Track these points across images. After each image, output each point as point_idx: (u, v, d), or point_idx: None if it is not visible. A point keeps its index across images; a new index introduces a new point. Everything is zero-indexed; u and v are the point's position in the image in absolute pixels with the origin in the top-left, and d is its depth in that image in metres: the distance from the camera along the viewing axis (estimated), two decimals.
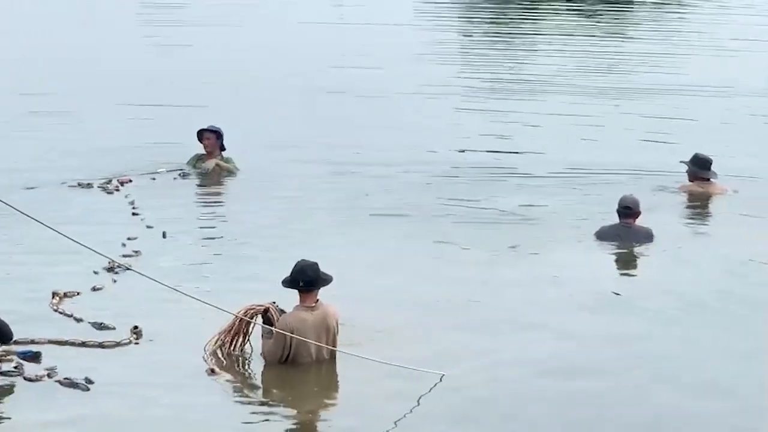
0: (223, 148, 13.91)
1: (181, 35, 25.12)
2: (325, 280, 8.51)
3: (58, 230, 7.95)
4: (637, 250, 11.46)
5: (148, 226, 11.63)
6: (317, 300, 8.49)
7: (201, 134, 13.85)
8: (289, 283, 8.50)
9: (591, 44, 24.72)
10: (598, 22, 28.06)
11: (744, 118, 16.93)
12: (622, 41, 25.78)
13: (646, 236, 11.55)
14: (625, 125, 16.77)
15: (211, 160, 13.81)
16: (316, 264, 8.47)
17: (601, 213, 12.10)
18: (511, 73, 20.97)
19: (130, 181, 13.26)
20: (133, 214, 12.13)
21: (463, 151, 15.17)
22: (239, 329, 8.65)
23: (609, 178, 13.90)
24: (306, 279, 8.41)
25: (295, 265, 8.47)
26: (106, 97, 18.32)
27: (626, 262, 11.37)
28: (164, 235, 11.38)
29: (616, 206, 11.57)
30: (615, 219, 11.62)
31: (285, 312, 8.52)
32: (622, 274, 11.29)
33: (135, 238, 11.15)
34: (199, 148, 13.96)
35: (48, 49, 22.88)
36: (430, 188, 13.52)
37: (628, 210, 11.48)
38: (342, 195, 13.14)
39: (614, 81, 20.25)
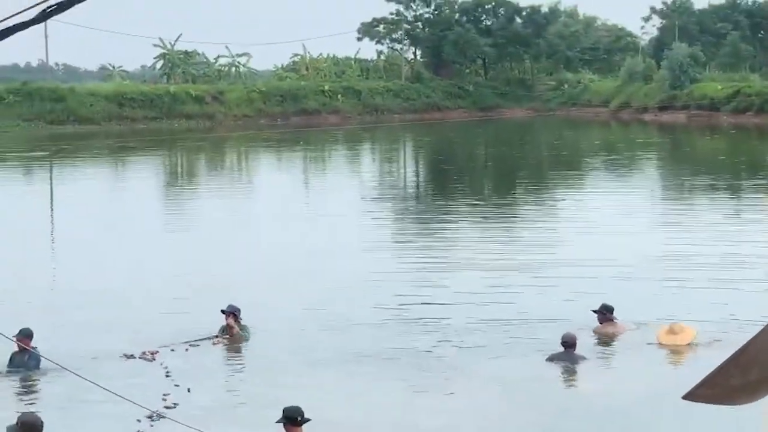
0: (238, 320, 17.94)
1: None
2: (308, 419, 11.95)
3: (119, 394, 11.48)
4: (577, 367, 16.16)
5: (176, 384, 15.23)
6: None
7: (224, 313, 17.96)
8: (285, 419, 11.90)
9: None
10: None
11: None
12: None
13: (582, 359, 16.38)
14: None
15: (232, 331, 17.84)
16: (300, 407, 11.92)
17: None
18: None
19: (158, 351, 16.94)
20: (167, 375, 15.76)
21: None
22: None
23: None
24: (300, 417, 11.86)
25: (286, 409, 11.92)
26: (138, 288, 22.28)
27: (570, 375, 16.00)
28: (189, 390, 14.96)
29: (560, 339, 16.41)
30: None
31: None
32: (567, 386, 15.77)
33: (168, 394, 14.71)
34: (222, 321, 18.01)
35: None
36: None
37: (566, 343, 16.30)
38: (330, 348, 17.09)
39: None
